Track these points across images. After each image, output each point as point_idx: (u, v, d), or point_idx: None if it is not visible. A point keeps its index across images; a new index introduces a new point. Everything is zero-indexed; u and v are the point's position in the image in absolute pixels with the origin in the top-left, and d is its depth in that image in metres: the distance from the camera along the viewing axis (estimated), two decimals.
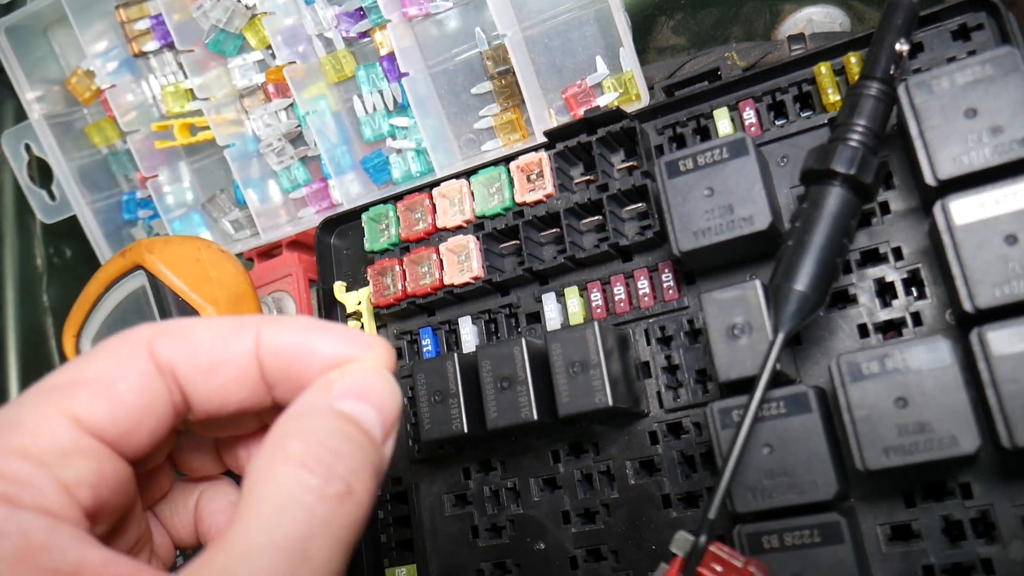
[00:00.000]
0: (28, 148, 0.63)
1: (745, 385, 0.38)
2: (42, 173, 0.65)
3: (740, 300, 0.39)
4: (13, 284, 0.64)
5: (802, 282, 0.36)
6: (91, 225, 0.62)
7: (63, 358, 0.66)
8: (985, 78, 0.36)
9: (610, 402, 0.41)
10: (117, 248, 0.62)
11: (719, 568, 0.34)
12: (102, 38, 0.60)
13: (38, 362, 0.64)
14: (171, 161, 0.63)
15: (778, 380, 0.39)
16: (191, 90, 0.60)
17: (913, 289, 0.41)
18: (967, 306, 0.35)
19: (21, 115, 0.66)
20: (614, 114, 0.46)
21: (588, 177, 0.48)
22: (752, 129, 0.45)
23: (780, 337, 0.36)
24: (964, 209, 0.36)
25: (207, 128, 0.60)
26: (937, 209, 0.36)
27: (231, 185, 0.63)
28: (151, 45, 0.60)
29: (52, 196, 0.64)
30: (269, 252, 0.61)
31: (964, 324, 0.36)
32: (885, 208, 0.42)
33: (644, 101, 0.50)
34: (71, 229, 0.67)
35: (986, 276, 0.35)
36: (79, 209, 0.62)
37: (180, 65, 0.60)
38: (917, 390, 0.35)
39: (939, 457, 0.34)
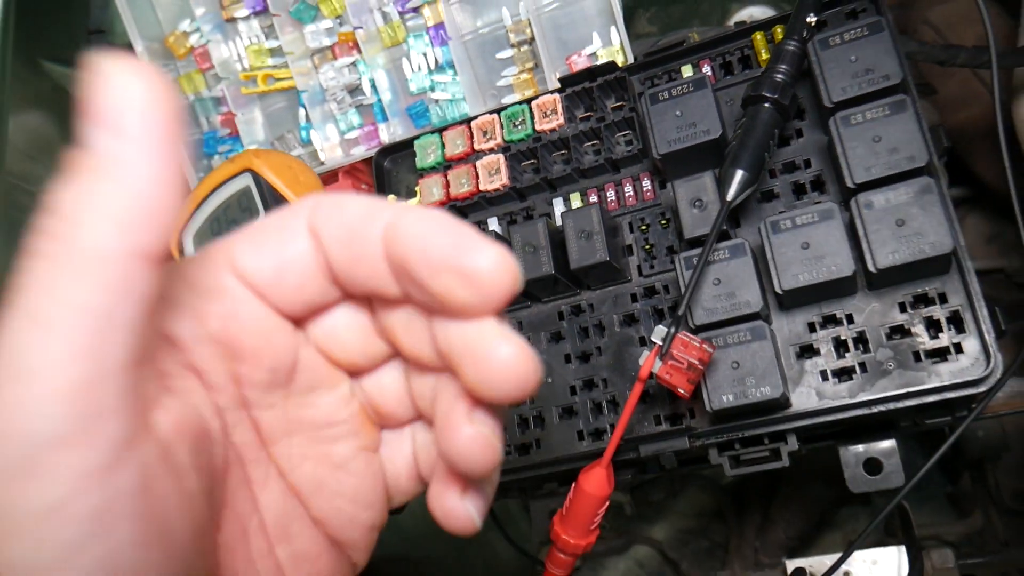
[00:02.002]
0: None
1: (703, 242, 0.55)
2: None
3: (699, 184, 0.56)
4: None
5: (741, 166, 0.54)
6: (182, 154, 0.78)
7: None
8: (862, 36, 0.55)
9: (607, 257, 0.58)
10: (202, 173, 0.77)
11: (683, 348, 0.51)
12: (201, 5, 0.77)
13: None
14: (249, 105, 0.78)
15: (725, 236, 0.56)
16: (270, 49, 0.76)
17: (817, 189, 0.59)
18: (849, 182, 0.53)
19: None
20: (609, 66, 0.64)
21: (589, 113, 0.66)
22: (710, 79, 0.63)
23: (726, 205, 0.54)
24: (848, 120, 0.54)
25: (282, 80, 0.76)
26: (831, 122, 0.54)
27: (296, 127, 0.79)
28: (241, 12, 0.76)
29: None
30: (328, 180, 0.77)
31: (847, 196, 0.54)
32: (800, 133, 0.60)
33: (630, 62, 0.68)
34: None
35: (862, 161, 0.53)
36: None
37: (262, 28, 0.77)
38: (816, 237, 0.53)
39: (829, 278, 0.52)
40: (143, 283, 0.23)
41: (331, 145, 0.77)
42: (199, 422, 0.28)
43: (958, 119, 1.02)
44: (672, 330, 0.51)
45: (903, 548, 0.68)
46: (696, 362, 0.51)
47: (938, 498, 1.04)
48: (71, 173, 0.22)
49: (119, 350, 0.23)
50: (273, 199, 0.65)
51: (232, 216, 0.68)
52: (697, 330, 0.55)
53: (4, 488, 0.22)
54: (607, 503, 0.60)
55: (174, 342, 0.28)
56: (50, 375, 0.22)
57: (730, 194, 0.54)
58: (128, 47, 0.79)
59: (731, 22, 0.75)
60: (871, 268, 0.51)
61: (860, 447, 0.61)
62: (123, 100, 0.22)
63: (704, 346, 0.51)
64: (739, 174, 0.54)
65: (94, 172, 0.22)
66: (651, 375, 0.51)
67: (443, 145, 0.68)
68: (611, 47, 0.70)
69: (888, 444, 0.60)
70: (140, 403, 0.24)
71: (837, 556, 0.62)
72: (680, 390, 0.51)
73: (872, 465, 0.60)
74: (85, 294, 0.22)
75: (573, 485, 0.58)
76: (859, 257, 0.53)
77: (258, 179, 0.65)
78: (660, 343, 0.51)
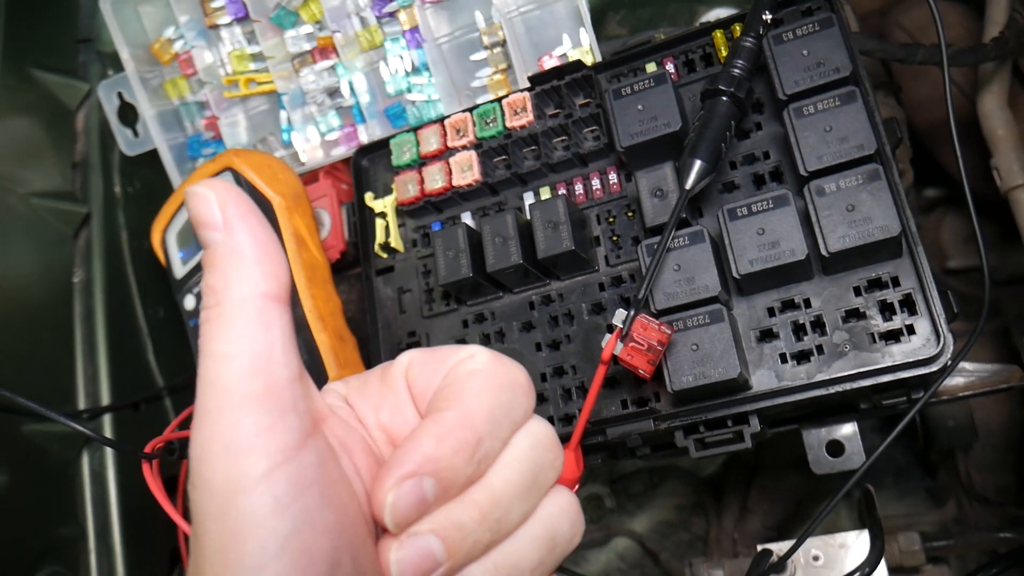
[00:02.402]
0: (120, 95, 0.81)
1: (663, 230, 0.57)
2: (122, 119, 0.83)
3: (660, 174, 0.59)
4: (97, 206, 0.80)
5: (699, 156, 0.56)
6: (167, 157, 0.80)
7: (138, 263, 0.83)
8: (813, 32, 0.57)
9: (572, 247, 0.60)
10: (186, 176, 0.80)
11: (643, 330, 0.53)
12: (185, 13, 0.79)
13: (117, 266, 0.80)
14: (232, 109, 0.81)
15: (684, 224, 0.58)
16: (252, 54, 0.79)
17: (776, 180, 0.61)
18: (802, 170, 0.55)
19: (104, 73, 0.84)
20: (577, 64, 0.66)
21: (558, 110, 0.68)
22: (672, 76, 0.65)
23: (685, 193, 0.56)
24: (801, 111, 0.56)
25: (263, 84, 0.79)
26: (785, 113, 0.57)
27: (278, 129, 0.81)
28: (224, 19, 0.79)
29: (135, 134, 0.81)
30: (308, 181, 0.79)
31: (801, 184, 0.56)
32: (759, 126, 0.62)
33: (598, 60, 0.71)
34: (142, 165, 0.85)
35: (814, 150, 0.55)
36: (159, 144, 0.80)
37: (244, 34, 0.79)
38: (770, 224, 0.55)
39: (784, 262, 0.54)
40: (276, 316, 0.34)
41: (312, 146, 0.79)
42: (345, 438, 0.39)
43: (930, 119, 1.05)
44: (632, 313, 0.53)
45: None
46: (656, 344, 0.53)
47: (917, 492, 1.05)
48: (207, 265, 0.34)
49: (280, 368, 0.34)
50: (253, 197, 0.67)
51: None
52: (659, 314, 0.57)
53: (234, 462, 0.32)
54: (577, 486, 0.61)
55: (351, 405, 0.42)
56: (239, 389, 0.33)
57: (689, 183, 0.56)
58: (114, 55, 0.82)
59: (698, 24, 0.77)
60: (824, 252, 0.53)
61: (823, 430, 0.62)
62: (209, 207, 0.34)
63: (663, 328, 0.53)
64: (697, 164, 0.56)
65: (218, 256, 0.34)
66: (614, 358, 0.53)
67: (418, 143, 0.70)
68: (581, 48, 0.72)
69: (850, 427, 0.62)
70: (311, 408, 0.35)
71: (807, 540, 0.64)
72: (641, 371, 0.53)
73: (834, 447, 0.62)
74: (242, 330, 0.33)
75: None
76: (813, 243, 0.55)
77: (238, 177, 0.67)
78: (621, 325, 0.53)
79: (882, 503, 0.89)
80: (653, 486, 0.97)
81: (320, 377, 0.63)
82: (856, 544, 0.70)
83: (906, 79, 1.04)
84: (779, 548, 0.71)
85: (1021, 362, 0.94)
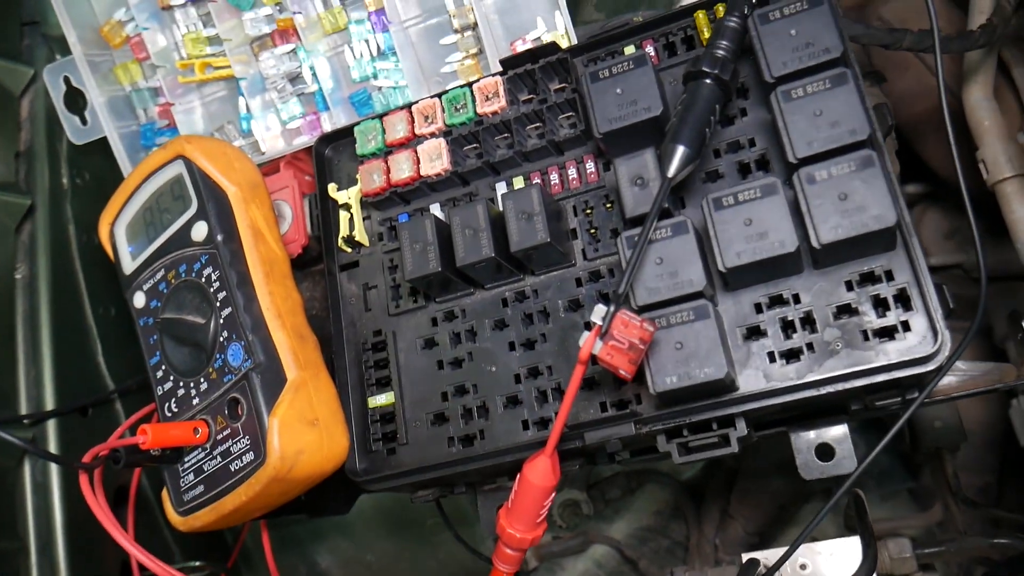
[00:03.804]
0: (67, 80, 0.76)
1: (644, 220, 0.53)
2: (70, 106, 0.78)
3: (640, 161, 0.55)
4: (43, 198, 0.75)
5: (682, 141, 0.53)
6: (118, 146, 0.75)
7: (86, 258, 0.78)
8: (802, 11, 0.54)
9: (548, 239, 0.56)
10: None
11: (624, 328, 0.50)
12: None
13: (63, 262, 0.76)
14: (187, 96, 0.76)
15: (667, 214, 0.55)
16: (208, 37, 0.74)
17: (762, 168, 0.58)
18: (791, 157, 0.52)
19: (51, 57, 0.80)
20: (551, 47, 0.62)
21: (532, 96, 0.64)
22: (652, 60, 0.62)
23: (667, 181, 0.53)
24: (789, 94, 0.53)
25: (220, 68, 0.74)
26: (772, 96, 0.53)
27: (237, 117, 0.76)
28: (178, 0, 0.74)
29: (84, 121, 0.77)
30: (269, 172, 0.75)
31: (790, 172, 0.53)
32: (744, 112, 0.59)
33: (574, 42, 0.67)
34: (92, 155, 0.80)
35: (804, 135, 0.52)
36: (109, 132, 0.75)
37: (199, 16, 0.75)
38: (758, 214, 0.52)
39: (773, 254, 0.51)
40: None
41: (272, 135, 0.75)
42: None
43: (913, 113, 1.02)
44: (612, 309, 0.50)
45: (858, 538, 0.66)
46: (637, 342, 0.49)
47: (900, 494, 1.03)
48: None
49: None
50: (207, 187, 0.63)
51: (165, 206, 0.65)
52: (640, 311, 0.53)
53: None
54: (553, 494, 0.58)
55: None
56: None
57: (671, 170, 0.53)
58: (61, 38, 0.77)
59: (678, 6, 0.74)
60: (815, 244, 0.50)
61: (812, 433, 0.59)
62: None
63: (645, 325, 0.50)
64: (680, 150, 0.53)
65: None
66: (593, 358, 0.50)
67: (384, 131, 0.66)
68: (556, 32, 0.69)
69: (840, 429, 0.59)
70: None
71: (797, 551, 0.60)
72: (622, 371, 0.50)
73: (824, 450, 0.59)
74: None
75: (518, 476, 0.56)
76: (803, 234, 0.51)
77: (191, 166, 0.63)
78: (600, 322, 0.50)
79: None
80: (631, 491, 0.94)
81: (278, 378, 0.59)
82: (844, 552, 0.67)
83: (887, 70, 1.02)
84: (765, 557, 0.68)
85: (1008, 359, 0.92)
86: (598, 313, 0.50)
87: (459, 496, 0.67)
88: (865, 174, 0.50)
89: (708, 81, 0.54)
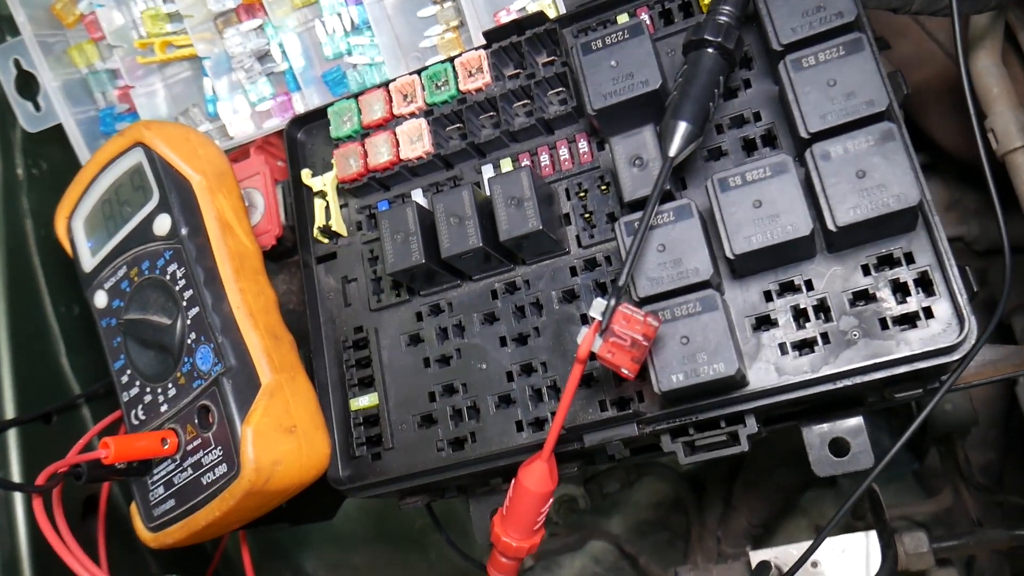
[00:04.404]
0: (17, 63, 0.71)
1: (644, 205, 0.49)
2: (22, 90, 0.72)
3: (638, 140, 0.51)
4: None
5: (684, 117, 0.48)
6: (75, 133, 0.70)
7: (46, 253, 0.73)
8: None
9: (540, 226, 0.52)
10: None
11: (625, 323, 0.45)
12: None
13: (21, 257, 0.71)
14: (148, 77, 0.71)
15: (669, 197, 0.50)
16: (168, 14, 0.69)
17: (769, 144, 0.54)
18: (803, 132, 0.48)
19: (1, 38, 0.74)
20: (538, 16, 0.57)
21: (518, 70, 0.59)
22: (648, 29, 0.57)
23: (668, 161, 0.48)
24: (800, 63, 0.48)
25: (182, 47, 0.69)
26: (781, 66, 0.49)
27: (202, 100, 0.71)
28: None
29: (37, 107, 0.71)
30: (238, 158, 0.70)
31: (802, 148, 0.49)
32: (748, 84, 0.54)
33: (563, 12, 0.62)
34: (48, 143, 0.74)
35: (816, 108, 0.48)
36: (65, 119, 0.70)
37: None
38: (769, 194, 0.47)
39: (785, 239, 0.47)
40: None
41: (241, 118, 0.70)
42: None
43: (913, 80, 0.98)
44: (612, 302, 0.45)
45: (872, 534, 0.63)
46: (640, 338, 0.45)
47: (905, 477, 1.00)
48: None
49: None
50: (169, 177, 0.58)
51: (124, 198, 0.60)
52: (641, 303, 0.49)
53: None
54: (551, 500, 0.54)
55: None
56: None
57: (673, 148, 0.48)
58: (9, 18, 0.71)
59: None
60: (831, 226, 0.46)
61: (825, 426, 0.55)
62: None
63: (648, 319, 0.45)
64: (682, 126, 0.48)
65: None
66: (592, 355, 0.46)
67: (360, 111, 0.61)
68: (543, 0, 0.64)
69: (855, 422, 0.55)
70: None
71: (804, 544, 0.57)
72: (624, 370, 0.45)
73: (838, 446, 0.55)
74: None
75: (513, 481, 0.52)
76: (817, 215, 0.47)
77: (151, 154, 0.58)
78: (599, 318, 0.46)
79: None
80: (630, 484, 0.90)
81: (251, 383, 0.54)
82: (857, 548, 0.64)
83: (886, 36, 0.98)
84: (774, 555, 0.65)
85: (1014, 333, 0.89)
86: (597, 308, 0.46)
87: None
88: (885, 149, 0.46)
89: (711, 50, 0.50)
